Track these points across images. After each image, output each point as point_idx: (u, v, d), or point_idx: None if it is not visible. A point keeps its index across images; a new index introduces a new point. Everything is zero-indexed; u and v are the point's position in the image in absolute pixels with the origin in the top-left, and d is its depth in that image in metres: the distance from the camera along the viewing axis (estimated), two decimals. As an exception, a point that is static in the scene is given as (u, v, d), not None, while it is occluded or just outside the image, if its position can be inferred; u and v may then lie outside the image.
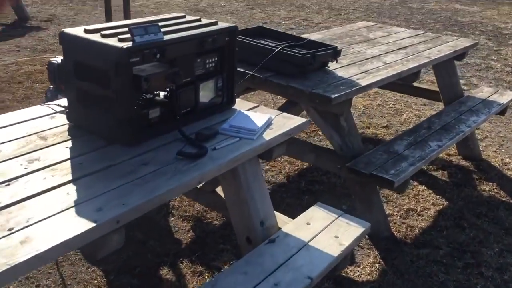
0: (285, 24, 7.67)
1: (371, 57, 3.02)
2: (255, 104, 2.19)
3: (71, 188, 1.45)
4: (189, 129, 1.88)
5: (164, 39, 1.74)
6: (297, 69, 2.51)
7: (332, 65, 2.74)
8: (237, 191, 1.94)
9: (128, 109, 1.68)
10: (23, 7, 7.10)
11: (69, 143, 1.73)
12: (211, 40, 1.92)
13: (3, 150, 1.65)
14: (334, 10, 8.95)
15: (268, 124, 1.98)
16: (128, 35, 1.67)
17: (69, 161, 1.61)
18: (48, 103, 2.03)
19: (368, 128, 4.10)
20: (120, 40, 1.65)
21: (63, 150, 1.67)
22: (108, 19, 3.36)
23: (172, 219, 2.73)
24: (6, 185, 1.45)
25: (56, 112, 1.97)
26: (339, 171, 2.60)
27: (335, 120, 2.57)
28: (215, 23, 2.01)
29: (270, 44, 2.76)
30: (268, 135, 1.89)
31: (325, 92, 2.37)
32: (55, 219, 1.30)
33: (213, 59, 2.00)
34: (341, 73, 2.68)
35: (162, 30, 1.81)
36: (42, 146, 1.69)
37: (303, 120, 2.05)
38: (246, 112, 2.06)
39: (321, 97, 2.36)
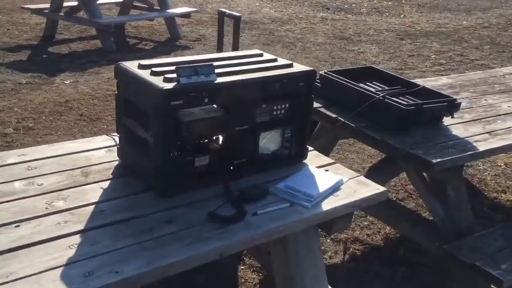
0: (434, 58, 7.05)
1: (506, 114, 2.49)
2: (331, 161, 1.88)
3: (76, 241, 1.31)
4: (243, 183, 1.64)
5: (217, 81, 1.54)
6: (398, 122, 2.13)
7: (448, 120, 2.29)
8: (285, 265, 1.65)
9: (165, 156, 1.51)
10: (176, 27, 7.51)
11: (106, 184, 1.61)
12: (279, 85, 1.68)
13: (41, 183, 1.59)
14: (498, 46, 8.01)
15: (335, 189, 1.66)
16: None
17: (94, 205, 1.48)
18: (113, 134, 1.96)
19: (504, 192, 3.45)
20: (166, 80, 1.49)
21: (95, 192, 1.56)
22: (220, 47, 3.29)
23: (242, 267, 2.51)
24: (16, 226, 1.36)
25: (116, 145, 1.88)
26: (437, 251, 2.14)
27: (441, 188, 2.13)
28: (289, 65, 1.76)
29: (374, 88, 2.42)
30: (329, 204, 1.58)
31: (426, 154, 1.96)
32: (36, 279, 1.16)
33: (283, 106, 1.75)
34: (457, 130, 2.22)
35: (223, 70, 1.61)
36: (79, 183, 1.60)
37: (380, 189, 1.69)
38: (313, 170, 1.76)
39: (419, 161, 1.95)
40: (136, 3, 7.71)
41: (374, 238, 2.83)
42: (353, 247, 2.73)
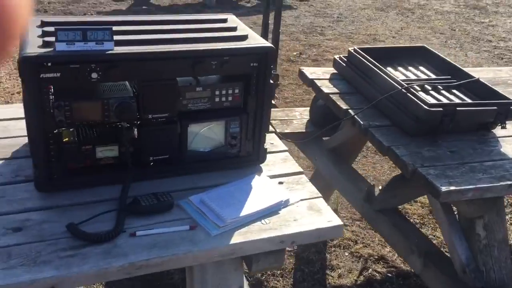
0: None
1: None
2: (298, 170, 1.41)
3: None
4: (163, 187, 1.27)
5: (112, 52, 1.15)
6: (418, 126, 1.56)
7: (500, 131, 1.65)
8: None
9: (38, 139, 1.18)
10: (283, -16, 7.01)
11: (3, 163, 1.33)
12: (217, 63, 1.24)
13: None
14: None
15: (272, 212, 1.21)
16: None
17: (-47, 192, 1.21)
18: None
19: None
20: (44, 44, 1.14)
21: (-25, 173, 1.29)
22: (266, 14, 2.82)
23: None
24: None
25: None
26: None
27: (467, 223, 1.54)
28: (242, 38, 1.30)
29: (415, 76, 1.83)
30: (246, 234, 1.14)
31: (438, 177, 1.39)
32: None
33: (230, 92, 1.31)
34: (509, 147, 1.59)
35: (138, 37, 1.22)
36: (-29, 159, 1.35)
37: (333, 223, 1.20)
38: (259, 181, 1.32)
39: (426, 184, 1.40)
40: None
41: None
42: (373, 268, 2.21)
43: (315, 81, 1.90)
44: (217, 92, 1.30)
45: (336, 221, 1.20)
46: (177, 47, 1.22)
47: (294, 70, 4.25)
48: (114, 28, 1.23)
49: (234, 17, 1.46)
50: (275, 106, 2.64)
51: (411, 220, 2.53)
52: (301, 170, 1.41)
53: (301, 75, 1.99)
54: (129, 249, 1.08)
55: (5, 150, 1.40)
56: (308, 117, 2.29)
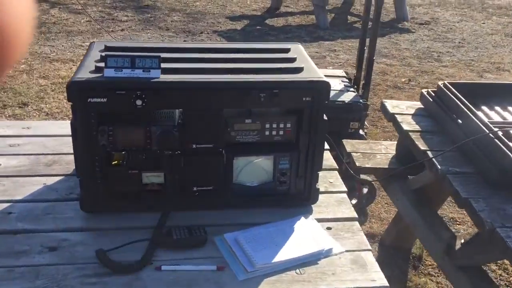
0: None
1: None
2: (352, 216, 1.28)
3: None
4: (204, 219, 1.23)
5: (158, 80, 1.14)
6: (506, 177, 1.35)
7: None
8: None
9: (84, 162, 1.20)
10: (403, 7, 6.78)
11: (54, 180, 1.39)
12: (266, 96, 1.17)
13: (1, 163, 1.45)
14: None
15: (308, 262, 1.10)
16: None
17: (8, 204, 1.27)
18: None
19: None
20: (96, 69, 1.16)
21: (34, 187, 1.35)
22: (364, 28, 2.69)
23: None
24: None
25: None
26: None
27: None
28: (297, 70, 1.22)
29: (511, 118, 1.61)
30: (274, 284, 1.05)
31: (518, 241, 1.18)
32: None
33: (283, 125, 1.24)
34: None
35: (189, 66, 1.21)
36: (31, 173, 1.41)
37: (378, 283, 1.06)
38: (304, 224, 1.22)
39: (503, 248, 1.19)
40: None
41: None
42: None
43: (396, 116, 1.75)
44: (267, 125, 1.23)
45: (380, 281, 1.06)
46: (223, 77, 1.17)
47: (400, 97, 4.03)
48: (167, 55, 1.23)
49: (299, 47, 1.39)
50: (363, 137, 2.50)
51: None
52: (356, 216, 1.28)
53: (383, 108, 1.85)
54: (150, 283, 1.04)
55: (69, 166, 1.45)
56: (394, 152, 2.12)
